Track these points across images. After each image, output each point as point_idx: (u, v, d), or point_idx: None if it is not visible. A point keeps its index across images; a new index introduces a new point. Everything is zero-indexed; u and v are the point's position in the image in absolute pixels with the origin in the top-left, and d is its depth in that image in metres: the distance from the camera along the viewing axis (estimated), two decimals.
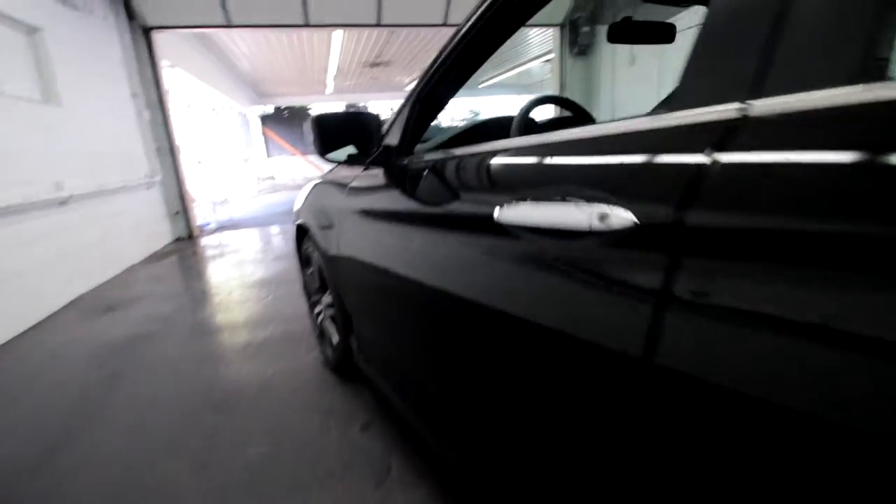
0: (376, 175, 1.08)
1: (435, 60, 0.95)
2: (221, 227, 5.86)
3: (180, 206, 5.17)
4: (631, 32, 1.21)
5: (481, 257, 0.69)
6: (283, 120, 18.12)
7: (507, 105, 15.25)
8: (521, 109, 1.09)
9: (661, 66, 5.02)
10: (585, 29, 6.11)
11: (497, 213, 0.63)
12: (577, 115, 1.28)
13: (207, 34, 7.23)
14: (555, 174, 0.59)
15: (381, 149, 1.05)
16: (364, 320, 1.29)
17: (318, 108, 19.25)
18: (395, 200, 0.99)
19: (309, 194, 1.65)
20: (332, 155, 1.05)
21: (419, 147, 1.22)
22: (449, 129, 1.50)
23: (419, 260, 0.88)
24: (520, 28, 0.91)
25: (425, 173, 0.90)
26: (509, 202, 0.63)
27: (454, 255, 0.77)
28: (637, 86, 5.52)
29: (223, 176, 10.39)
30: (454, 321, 0.80)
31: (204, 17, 4.86)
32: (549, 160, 0.61)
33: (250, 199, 9.67)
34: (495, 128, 1.32)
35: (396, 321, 1.08)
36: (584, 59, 6.30)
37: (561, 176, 0.58)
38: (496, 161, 0.73)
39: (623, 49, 5.64)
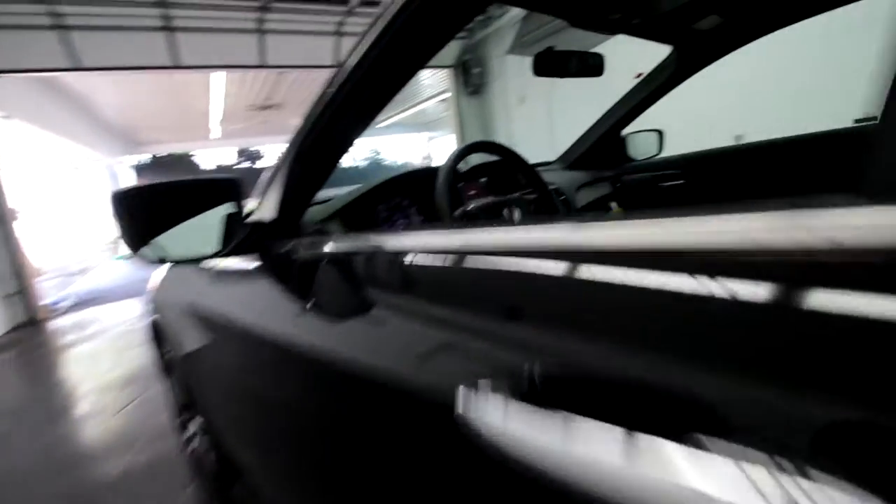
0: (247, 265, 0.74)
1: (315, 108, 0.67)
2: (80, 304, 4.84)
3: (18, 285, 4.15)
4: (557, 64, 1.04)
5: (430, 459, 0.39)
6: (164, 166, 16.53)
7: (408, 143, 15.41)
8: (449, 160, 0.83)
9: (552, 106, 5.25)
10: (476, 70, 6.30)
11: (462, 405, 0.34)
12: (505, 159, 1.06)
13: (55, 79, 6.23)
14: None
15: (249, 228, 0.71)
16: (248, 461, 0.90)
17: (203, 154, 17.89)
18: (276, 312, 0.66)
19: (164, 280, 1.22)
20: (153, 250, 0.66)
21: (314, 210, 0.91)
22: (352, 169, 1.17)
23: (321, 417, 0.56)
24: (417, 71, 0.67)
25: (321, 274, 0.59)
26: (489, 394, 0.32)
27: (377, 435, 0.46)
28: (529, 123, 5.72)
29: (82, 240, 8.90)
30: None
31: (42, 60, 4.09)
32: (583, 285, 0.30)
33: (123, 262, 8.34)
34: (416, 182, 1.04)
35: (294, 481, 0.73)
36: (478, 98, 6.46)
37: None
38: (454, 275, 0.42)
39: (513, 88, 5.86)
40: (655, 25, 1.04)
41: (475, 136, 6.52)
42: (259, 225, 0.71)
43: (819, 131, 1.16)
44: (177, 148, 14.27)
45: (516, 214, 0.85)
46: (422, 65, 0.59)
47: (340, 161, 0.77)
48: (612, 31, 1.02)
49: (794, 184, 1.24)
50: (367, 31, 0.55)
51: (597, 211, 1.41)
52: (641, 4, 0.93)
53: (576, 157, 1.60)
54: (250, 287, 0.75)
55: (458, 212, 0.81)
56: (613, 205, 1.52)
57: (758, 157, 1.34)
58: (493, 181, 1.29)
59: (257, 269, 0.72)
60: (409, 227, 0.89)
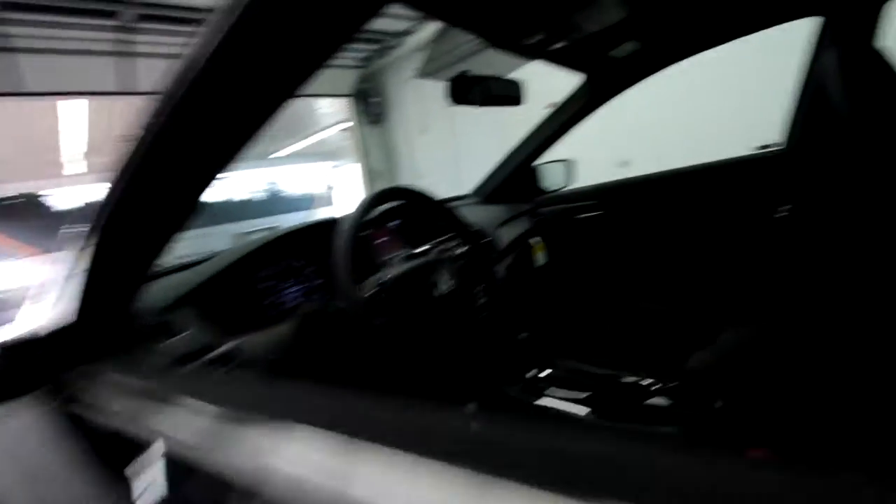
0: (20, 417, 0.44)
1: (141, 145, 0.44)
2: None
3: None
4: (473, 90, 0.90)
5: None
6: (8, 211, 13.95)
7: (310, 173, 14.77)
8: (352, 217, 0.62)
9: (456, 133, 5.28)
10: (375, 99, 6.17)
11: None
12: (420, 205, 0.89)
13: None
14: None
15: (21, 350, 0.43)
16: None
17: (64, 193, 15.52)
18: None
19: None
20: None
21: (161, 287, 0.64)
22: (253, 201, 0.90)
23: None
24: (285, 99, 0.48)
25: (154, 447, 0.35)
26: None
27: None
28: (433, 153, 5.68)
29: None
30: None
31: None
32: None
33: None
34: (312, 237, 0.81)
35: None
36: (380, 127, 6.32)
37: None
38: None
39: (414, 117, 5.82)
40: (573, 52, 0.96)
41: (379, 166, 6.37)
42: (41, 341, 0.43)
43: (730, 158, 1.17)
44: (26, 187, 12.15)
45: (444, 281, 0.67)
46: (290, 91, 0.40)
47: (192, 214, 0.53)
48: (530, 56, 0.92)
49: (707, 211, 1.25)
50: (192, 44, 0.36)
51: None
52: (562, 25, 0.83)
53: (491, 191, 1.50)
54: (27, 455, 0.46)
55: (369, 286, 0.60)
56: (537, 240, 1.42)
57: (671, 186, 1.33)
58: (406, 224, 1.11)
59: (40, 426, 0.43)
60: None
